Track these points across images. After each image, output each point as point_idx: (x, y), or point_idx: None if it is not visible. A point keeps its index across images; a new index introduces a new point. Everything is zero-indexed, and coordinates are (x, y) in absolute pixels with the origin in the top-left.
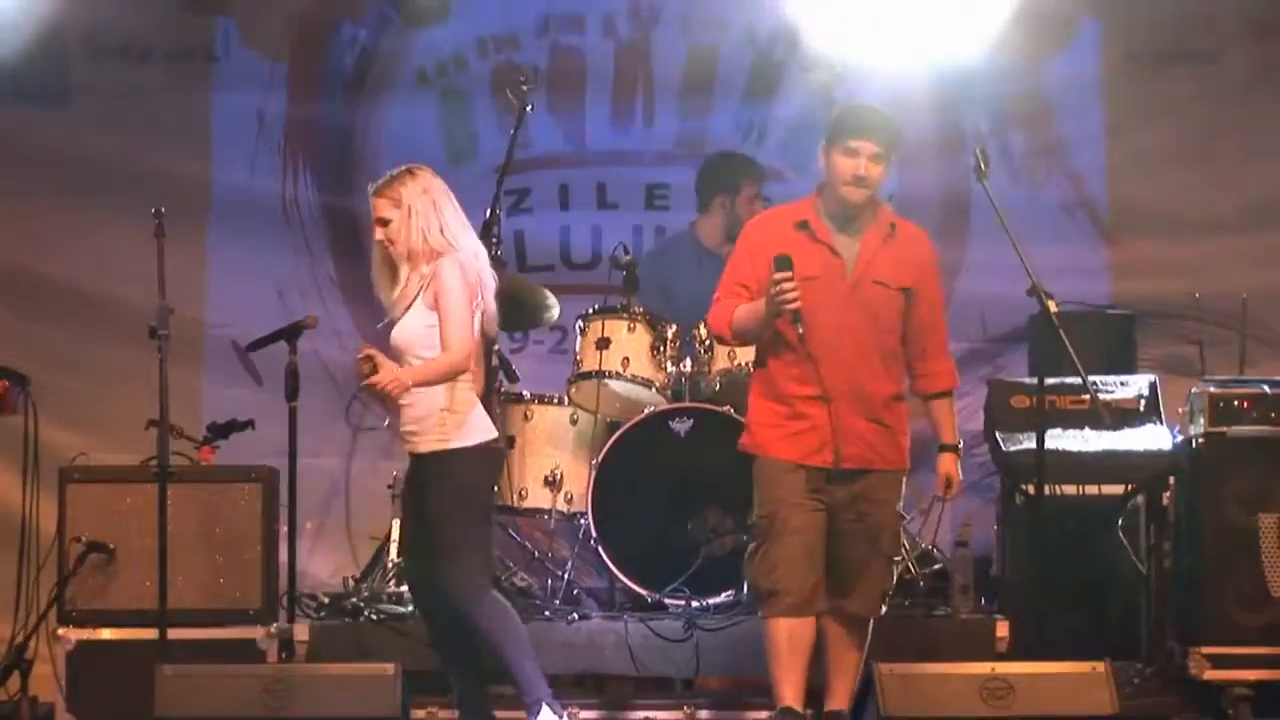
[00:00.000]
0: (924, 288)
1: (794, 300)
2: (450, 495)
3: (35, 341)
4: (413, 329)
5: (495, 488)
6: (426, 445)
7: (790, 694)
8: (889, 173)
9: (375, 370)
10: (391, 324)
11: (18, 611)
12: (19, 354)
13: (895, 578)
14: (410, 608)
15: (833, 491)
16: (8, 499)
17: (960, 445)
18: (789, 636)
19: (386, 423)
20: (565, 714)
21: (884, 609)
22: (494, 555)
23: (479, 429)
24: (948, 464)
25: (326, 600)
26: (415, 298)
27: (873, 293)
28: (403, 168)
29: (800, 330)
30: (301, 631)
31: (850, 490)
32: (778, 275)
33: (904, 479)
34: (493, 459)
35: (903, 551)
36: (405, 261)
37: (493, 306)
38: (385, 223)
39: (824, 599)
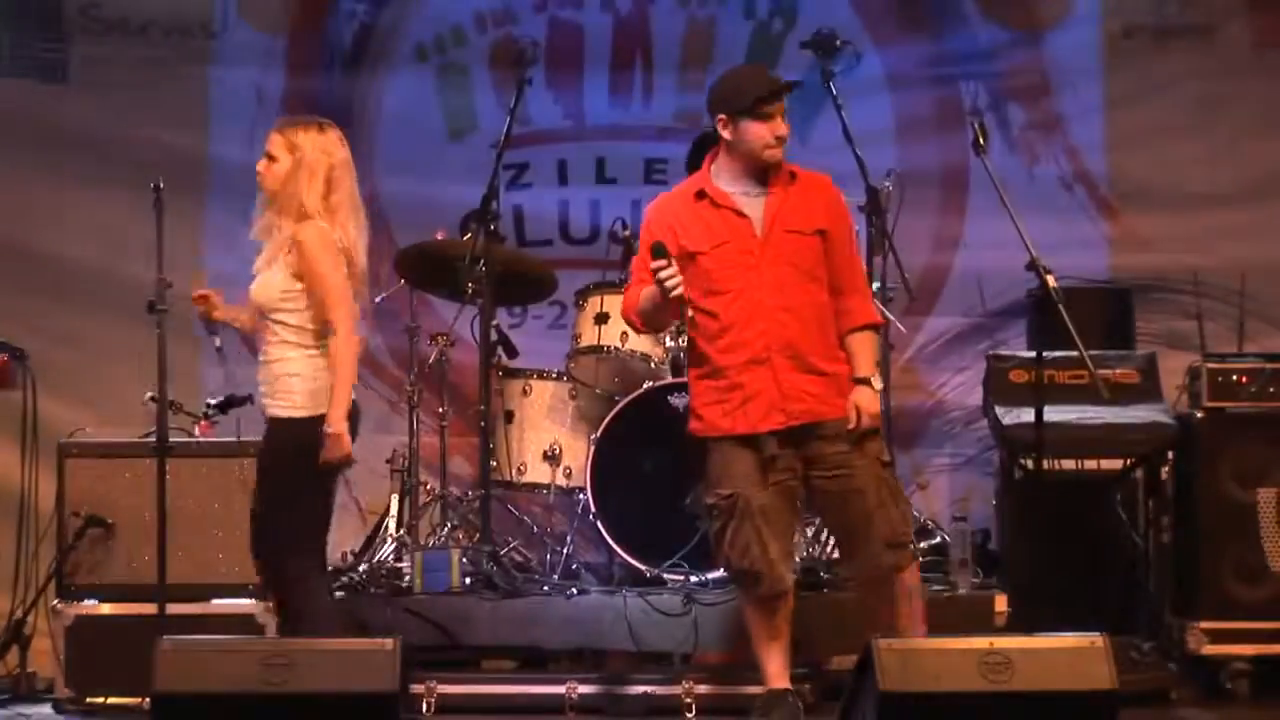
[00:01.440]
0: (836, 228)
1: (675, 287)
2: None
3: (34, 316)
4: (271, 289)
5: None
6: (275, 410)
7: (775, 673)
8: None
9: (210, 309)
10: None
11: (16, 586)
12: (18, 328)
13: (904, 518)
14: (408, 581)
15: (794, 454)
16: (6, 473)
17: (872, 379)
18: (767, 616)
19: (218, 344)
20: None
21: (904, 557)
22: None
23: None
24: (857, 395)
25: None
26: (278, 255)
27: (788, 243)
28: (316, 119)
29: (689, 314)
30: None
31: (812, 449)
32: (654, 264)
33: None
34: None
35: (901, 496)
36: (271, 209)
37: (359, 276)
38: (272, 159)
39: (790, 572)
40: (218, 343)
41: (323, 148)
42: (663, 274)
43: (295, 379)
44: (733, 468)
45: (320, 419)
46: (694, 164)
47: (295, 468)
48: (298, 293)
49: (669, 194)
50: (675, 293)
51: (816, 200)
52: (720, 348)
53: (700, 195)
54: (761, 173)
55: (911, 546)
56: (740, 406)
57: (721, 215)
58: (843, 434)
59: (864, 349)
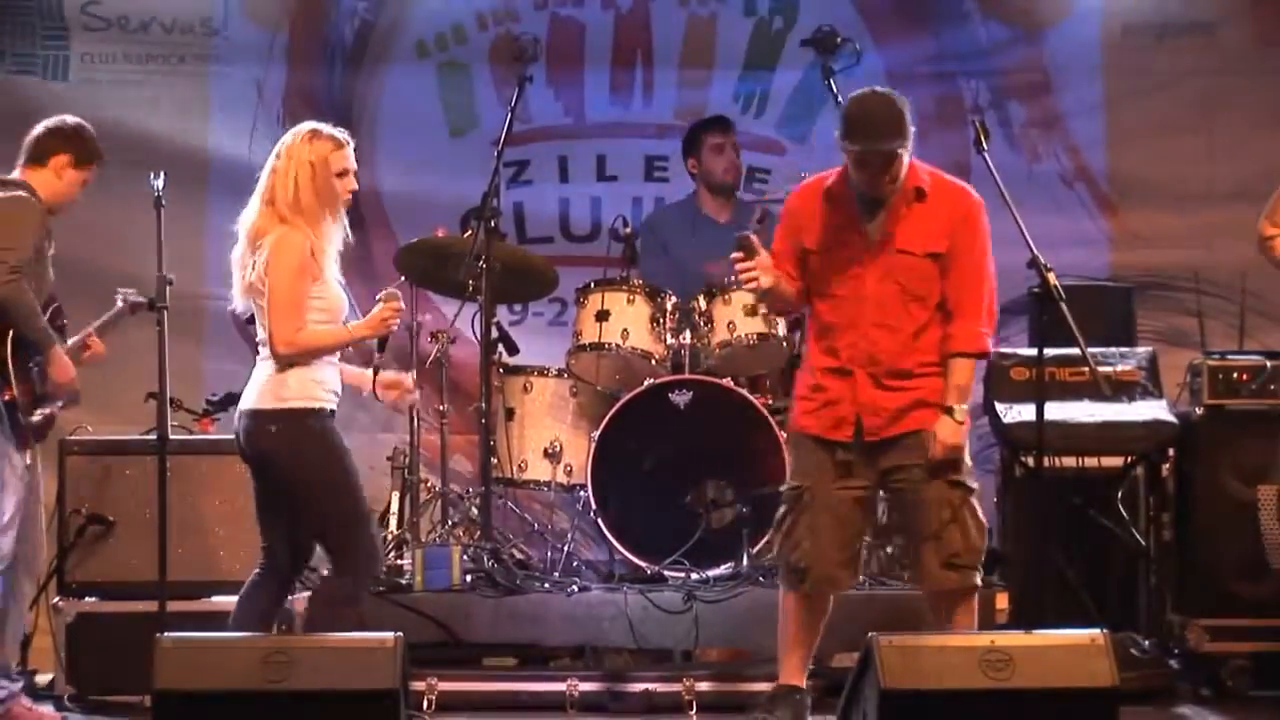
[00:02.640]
0: (957, 249)
1: (751, 282)
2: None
3: None
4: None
5: None
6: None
7: (792, 669)
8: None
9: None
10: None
11: None
12: None
13: (969, 548)
14: (408, 579)
15: (866, 464)
16: None
17: (956, 409)
18: (802, 613)
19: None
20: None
21: (967, 577)
22: None
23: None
24: (938, 425)
25: (326, 572)
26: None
27: (897, 262)
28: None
29: (763, 310)
30: (301, 603)
31: (887, 459)
32: (733, 256)
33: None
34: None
35: (969, 524)
36: (341, 222)
37: None
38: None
39: (849, 577)
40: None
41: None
42: (741, 267)
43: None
44: (805, 462)
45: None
46: (689, 154)
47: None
48: None
49: (810, 182)
50: (751, 287)
51: (939, 221)
52: (819, 347)
53: (829, 194)
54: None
55: (975, 575)
56: (820, 409)
57: (841, 220)
58: (916, 448)
59: (956, 375)
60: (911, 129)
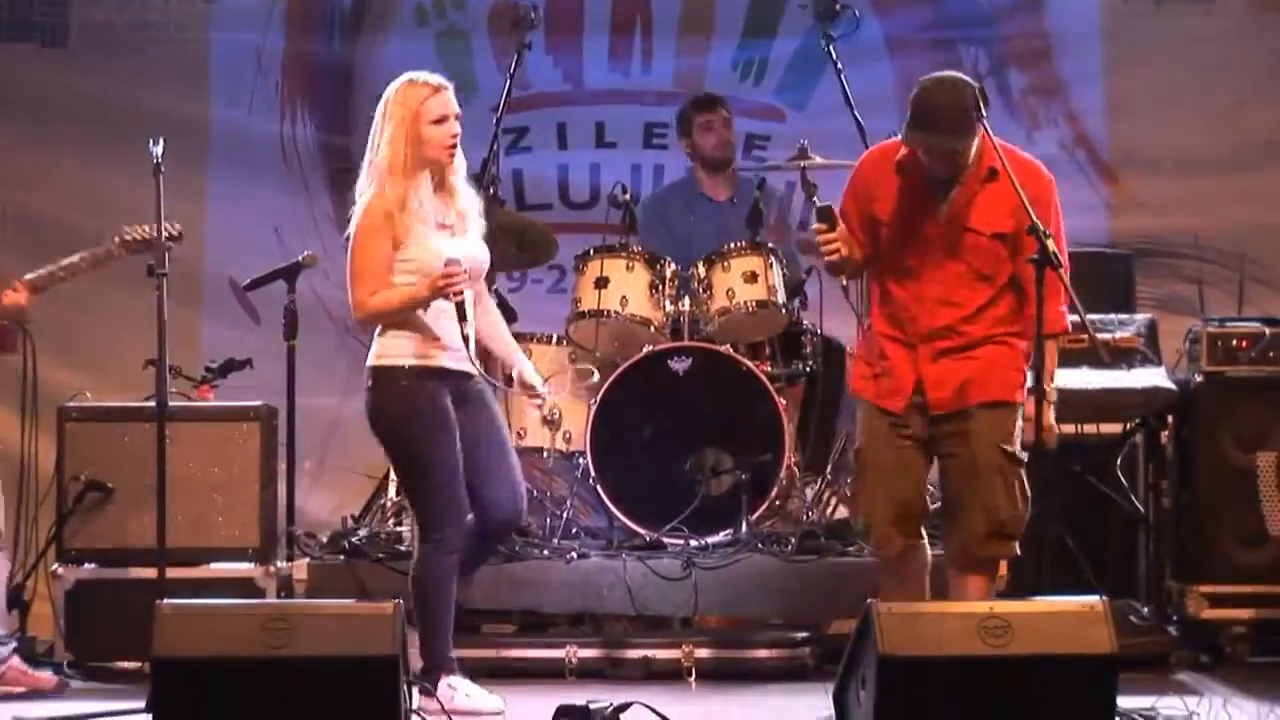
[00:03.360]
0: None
1: (831, 254)
2: None
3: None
4: (485, 253)
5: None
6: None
7: None
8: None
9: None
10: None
11: (16, 550)
12: None
13: (1016, 517)
14: (408, 545)
15: (925, 428)
16: (6, 437)
17: (1048, 393)
18: (888, 573)
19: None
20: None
21: (1009, 546)
22: None
23: None
24: (1043, 413)
25: (325, 539)
26: (477, 219)
27: (964, 240)
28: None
29: (843, 283)
30: (300, 570)
31: (944, 428)
32: (815, 226)
33: (1015, 411)
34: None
35: (1017, 494)
36: (457, 174)
37: None
38: (460, 118)
39: (907, 534)
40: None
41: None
42: (822, 239)
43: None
44: (866, 425)
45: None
46: (680, 133)
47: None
48: None
49: (884, 147)
50: (831, 258)
51: (1009, 202)
52: (883, 314)
53: (902, 166)
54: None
55: (1015, 545)
56: (879, 376)
57: (913, 194)
58: (975, 418)
59: (1049, 360)
60: (980, 116)
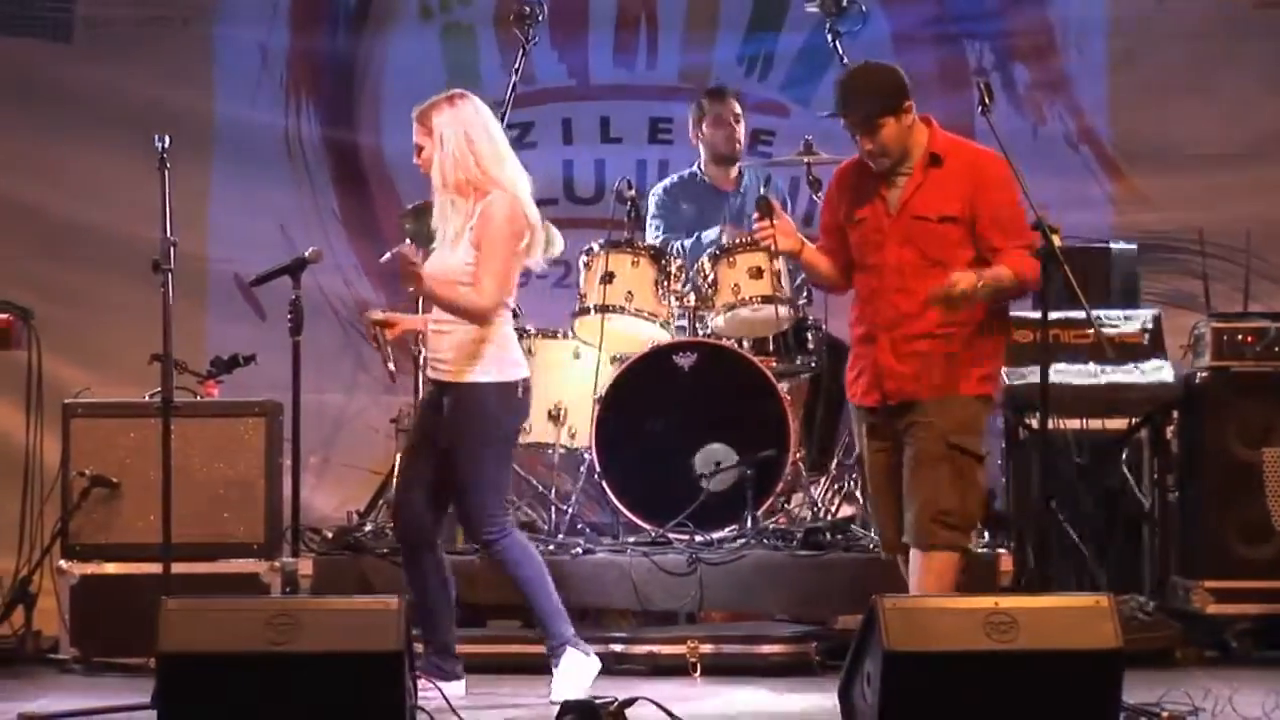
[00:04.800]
0: (980, 207)
1: (765, 238)
2: (479, 427)
3: (38, 275)
4: (454, 265)
5: (520, 424)
6: (458, 375)
7: None
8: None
9: (386, 331)
10: (410, 254)
11: (21, 546)
12: (23, 288)
13: (960, 508)
14: None
15: (890, 426)
16: (11, 433)
17: (980, 282)
18: (909, 579)
19: (391, 367)
20: (592, 653)
21: (955, 537)
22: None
23: (512, 364)
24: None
25: (330, 535)
26: (462, 234)
27: (915, 228)
28: (444, 94)
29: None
30: (305, 566)
31: (902, 421)
32: (754, 218)
33: (971, 404)
34: (525, 393)
35: (965, 486)
36: (444, 192)
37: (541, 239)
38: (419, 149)
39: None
40: (391, 366)
41: (452, 118)
42: (757, 227)
43: (483, 344)
44: (858, 432)
45: (504, 385)
46: (692, 124)
47: (498, 428)
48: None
49: (851, 159)
50: (766, 245)
51: (954, 185)
52: (855, 317)
53: (859, 167)
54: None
55: (964, 538)
56: (856, 377)
57: (866, 191)
58: (928, 409)
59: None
60: (904, 100)
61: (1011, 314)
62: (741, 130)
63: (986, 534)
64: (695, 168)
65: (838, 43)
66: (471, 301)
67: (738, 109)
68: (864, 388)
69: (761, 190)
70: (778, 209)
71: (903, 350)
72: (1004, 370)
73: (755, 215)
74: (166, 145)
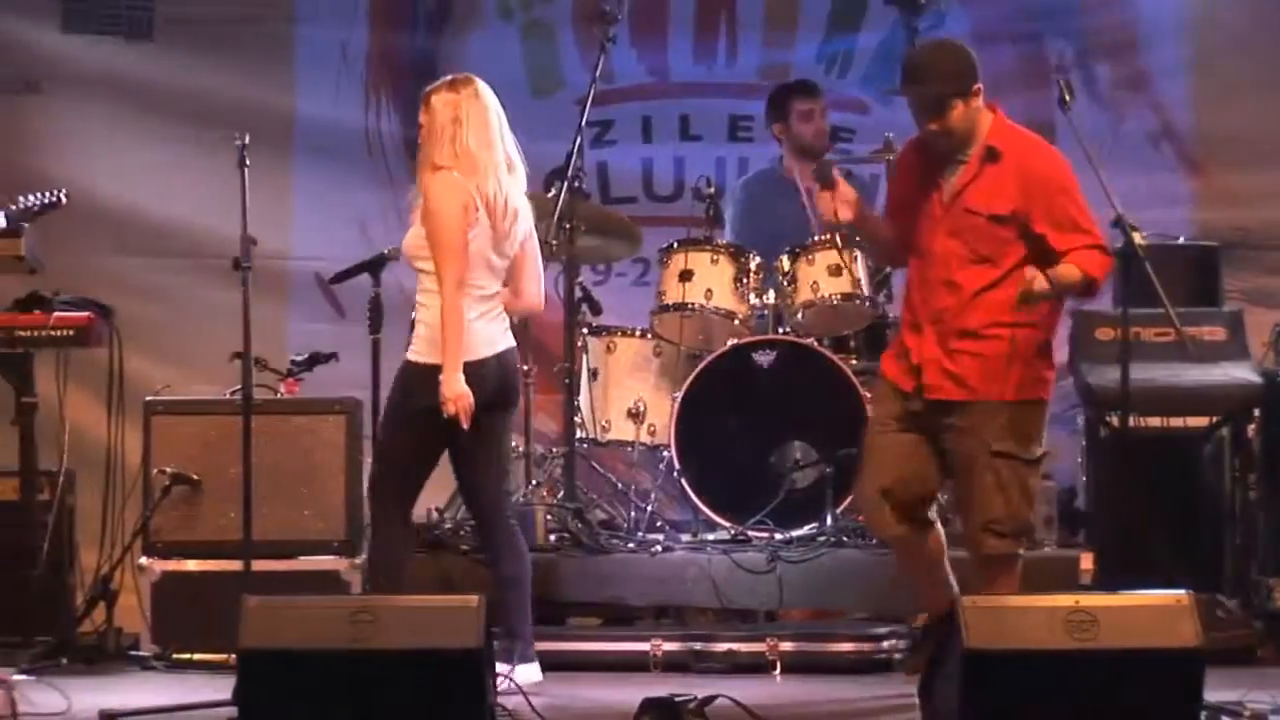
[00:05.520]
0: (1036, 208)
1: (825, 211)
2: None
3: (120, 273)
4: (414, 239)
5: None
6: (411, 355)
7: (923, 603)
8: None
9: None
10: None
11: (103, 543)
12: (104, 286)
13: (1010, 516)
14: None
15: (927, 417)
16: (93, 431)
17: (1056, 280)
18: (897, 554)
19: None
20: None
21: (1006, 544)
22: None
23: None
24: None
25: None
26: (417, 207)
27: (963, 221)
28: (449, 77)
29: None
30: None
31: (942, 420)
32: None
33: (1018, 409)
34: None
35: (1015, 493)
36: (422, 168)
37: (505, 228)
38: (420, 128)
39: (900, 525)
40: None
41: (449, 99)
42: (817, 195)
43: (424, 326)
44: (877, 407)
45: (432, 367)
46: (768, 124)
47: (402, 408)
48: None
49: (916, 135)
50: (826, 217)
51: (1010, 184)
52: (906, 301)
53: (923, 147)
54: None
55: (1014, 544)
56: (896, 358)
57: (926, 174)
58: (972, 414)
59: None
60: (974, 83)
61: (1092, 311)
62: (827, 125)
63: (1067, 532)
64: (775, 163)
65: (916, 41)
66: (442, 300)
67: (824, 103)
68: (902, 370)
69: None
70: (838, 178)
71: (950, 347)
72: (1084, 367)
73: (816, 186)
74: (246, 143)
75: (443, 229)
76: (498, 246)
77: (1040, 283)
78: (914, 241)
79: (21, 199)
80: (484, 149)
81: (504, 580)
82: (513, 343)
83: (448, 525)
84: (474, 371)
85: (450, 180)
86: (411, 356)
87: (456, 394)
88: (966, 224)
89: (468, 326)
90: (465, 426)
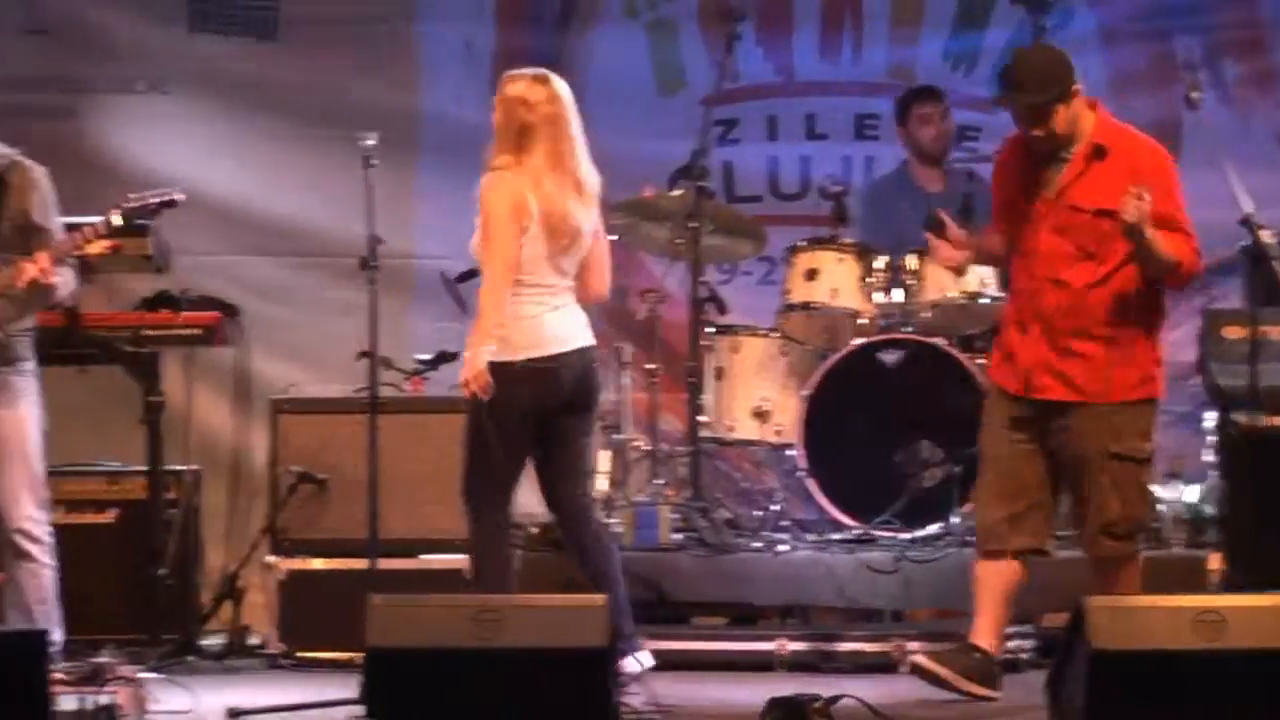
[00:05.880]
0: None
1: (941, 260)
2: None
3: (245, 272)
4: (477, 240)
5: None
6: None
7: (978, 627)
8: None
9: None
10: None
11: (229, 542)
12: (229, 285)
13: (1126, 517)
14: (620, 538)
15: (1038, 421)
16: (220, 429)
17: (1154, 236)
18: (985, 573)
19: None
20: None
21: (1122, 545)
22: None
23: (519, 346)
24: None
25: (535, 531)
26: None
27: (1069, 218)
28: (527, 70)
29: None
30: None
31: (1053, 422)
32: (927, 235)
33: (1129, 410)
34: (527, 376)
35: (1132, 493)
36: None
37: (564, 244)
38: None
39: (1022, 535)
40: None
41: (519, 99)
42: (931, 243)
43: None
44: (987, 416)
45: (502, 365)
46: (898, 121)
47: (483, 407)
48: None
49: (1016, 134)
50: (942, 265)
51: (1117, 179)
52: (1010, 302)
53: (1024, 148)
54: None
55: (1131, 544)
56: (1004, 361)
57: (1028, 173)
58: (1082, 417)
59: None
60: (1072, 85)
61: (1221, 309)
62: (949, 127)
63: (1195, 533)
64: (901, 166)
65: (1043, 38)
66: (482, 294)
67: (944, 107)
68: (1010, 374)
69: (967, 188)
70: (948, 223)
71: (1060, 346)
72: (1214, 366)
73: (928, 232)
74: (371, 143)
75: (493, 231)
76: (555, 258)
77: (1137, 212)
78: (1018, 241)
79: (135, 197)
80: (553, 165)
81: (596, 578)
82: (591, 340)
83: None
84: (545, 369)
85: (505, 181)
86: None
87: (475, 371)
88: (1072, 221)
89: (534, 322)
90: (485, 398)
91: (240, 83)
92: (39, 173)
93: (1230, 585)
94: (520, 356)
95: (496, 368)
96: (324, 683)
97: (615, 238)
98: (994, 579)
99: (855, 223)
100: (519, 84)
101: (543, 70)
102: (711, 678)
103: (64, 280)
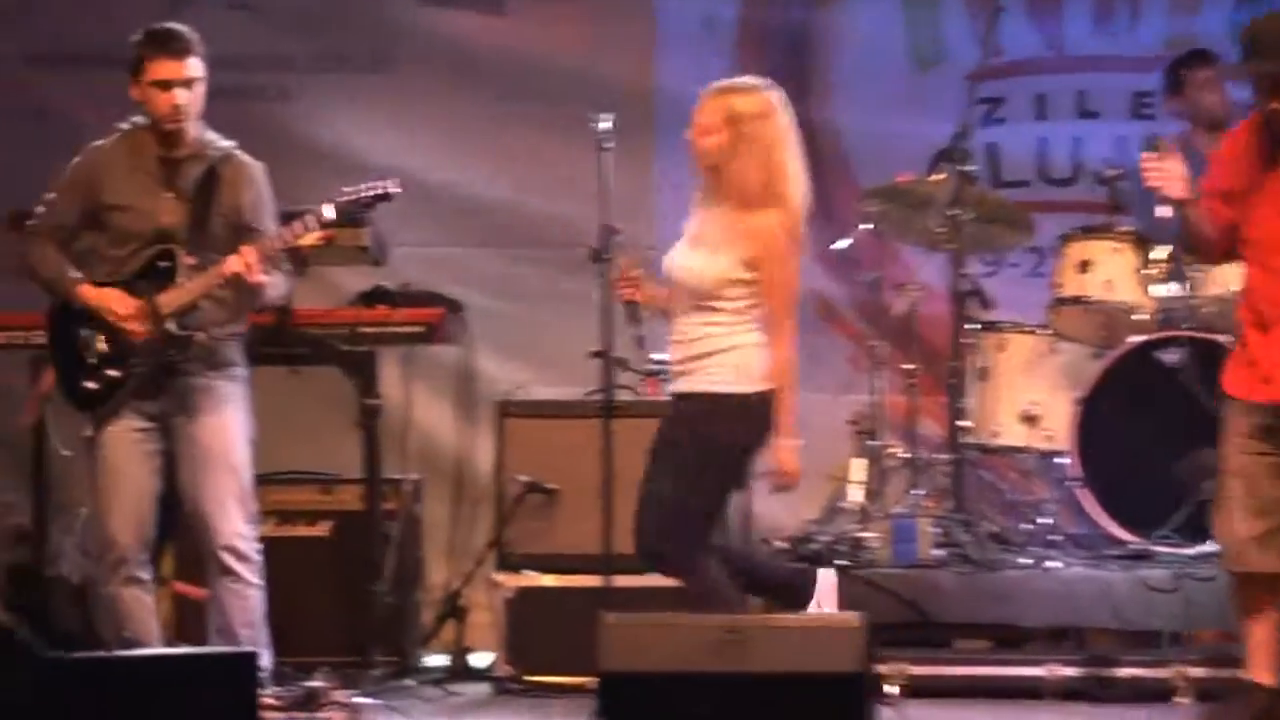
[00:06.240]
0: None
1: (1152, 180)
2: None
3: (470, 265)
4: (712, 275)
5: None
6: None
7: (1251, 660)
8: None
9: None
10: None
11: (453, 556)
12: (454, 279)
13: None
14: (873, 553)
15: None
16: (441, 434)
17: None
18: (1238, 595)
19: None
20: None
21: None
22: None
23: (756, 377)
24: None
25: (782, 545)
26: (722, 243)
27: None
28: (759, 83)
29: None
30: None
31: None
32: (1142, 155)
33: None
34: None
35: None
36: (710, 186)
37: None
38: (704, 131)
39: (1269, 556)
40: (641, 331)
41: (760, 111)
42: (1145, 165)
43: (722, 354)
44: (1228, 424)
45: (749, 396)
46: (1170, 93)
47: (713, 442)
48: (747, 281)
49: (1252, 116)
50: (1155, 189)
51: None
52: (1244, 301)
53: (1257, 129)
54: None
55: None
56: (1240, 367)
57: (1258, 158)
58: None
59: None
60: None
61: None
62: (1230, 94)
63: None
64: (1183, 140)
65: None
66: (785, 360)
67: (1224, 69)
68: (1249, 380)
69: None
70: (1171, 150)
71: None
72: None
73: (1146, 154)
74: (606, 125)
75: (792, 282)
76: None
77: None
78: (1246, 234)
79: (348, 190)
80: (795, 195)
81: (738, 573)
82: None
83: (824, 539)
84: (764, 404)
85: (789, 224)
86: (721, 388)
87: (798, 468)
88: None
89: (755, 353)
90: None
91: (464, 59)
92: (255, 169)
93: None
94: (762, 387)
95: (740, 400)
96: (553, 709)
97: (869, 226)
98: (1249, 604)
99: (1132, 209)
100: (752, 94)
101: (764, 80)
102: (975, 705)
103: (274, 282)
